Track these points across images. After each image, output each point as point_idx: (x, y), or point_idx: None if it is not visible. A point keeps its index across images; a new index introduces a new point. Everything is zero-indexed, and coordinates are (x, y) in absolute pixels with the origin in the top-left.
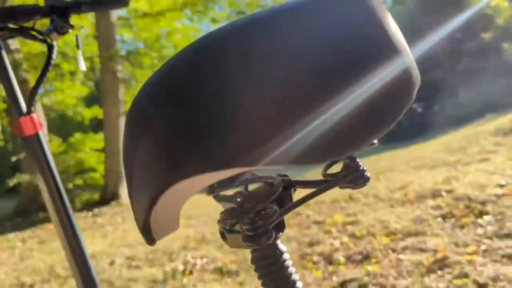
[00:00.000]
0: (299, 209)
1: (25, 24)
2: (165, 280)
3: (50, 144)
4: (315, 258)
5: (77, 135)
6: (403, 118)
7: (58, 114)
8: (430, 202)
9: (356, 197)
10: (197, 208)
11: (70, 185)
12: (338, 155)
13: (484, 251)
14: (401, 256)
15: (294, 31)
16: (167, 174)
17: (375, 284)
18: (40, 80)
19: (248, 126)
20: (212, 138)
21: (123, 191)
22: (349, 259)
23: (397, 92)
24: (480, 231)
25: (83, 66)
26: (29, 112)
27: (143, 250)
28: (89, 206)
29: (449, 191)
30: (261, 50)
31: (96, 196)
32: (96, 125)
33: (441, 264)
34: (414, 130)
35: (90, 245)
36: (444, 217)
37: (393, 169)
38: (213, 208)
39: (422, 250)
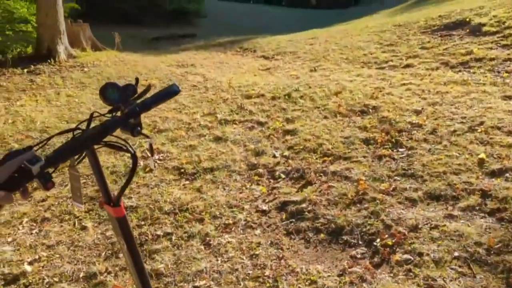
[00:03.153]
0: (244, 103)
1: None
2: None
3: None
4: (260, 170)
5: None
6: None
7: None
8: (358, 120)
9: (294, 97)
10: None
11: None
12: None
13: (394, 189)
14: (331, 183)
15: None
16: None
17: (310, 211)
18: (127, 184)
19: None
20: None
21: (61, 47)
22: (287, 175)
23: None
24: (393, 165)
25: (152, 166)
26: (118, 204)
27: None
28: (23, 61)
29: (375, 109)
30: None
31: (29, 50)
32: None
33: (361, 198)
34: None
35: (35, 111)
36: (367, 142)
37: (327, 57)
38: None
39: (347, 179)
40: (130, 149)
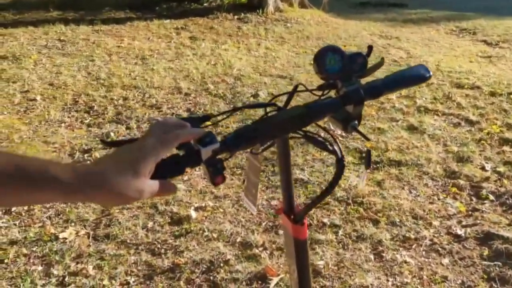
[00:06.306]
0: (452, 92)
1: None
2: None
3: None
4: (461, 181)
5: None
6: None
7: None
8: None
9: None
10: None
11: None
12: None
13: None
14: None
15: None
16: None
17: None
18: (321, 198)
19: None
20: None
21: (271, 0)
22: (498, 198)
23: None
24: None
25: (362, 183)
26: (301, 221)
27: (283, 88)
28: (235, 8)
29: None
30: None
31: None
32: None
33: None
34: None
35: (235, 57)
36: None
37: None
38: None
39: None
40: (337, 150)
